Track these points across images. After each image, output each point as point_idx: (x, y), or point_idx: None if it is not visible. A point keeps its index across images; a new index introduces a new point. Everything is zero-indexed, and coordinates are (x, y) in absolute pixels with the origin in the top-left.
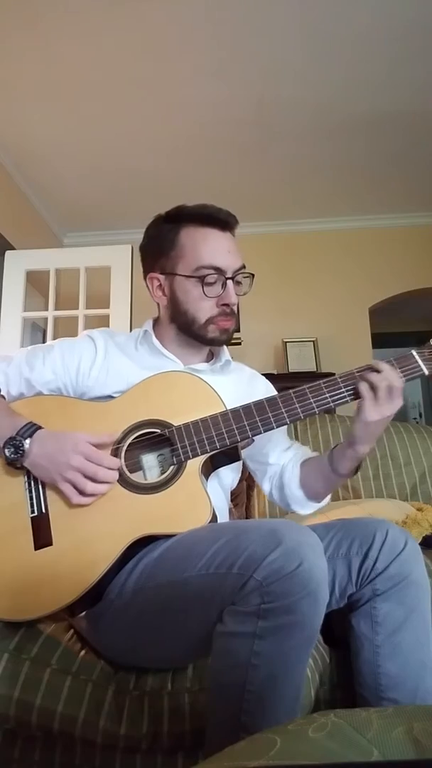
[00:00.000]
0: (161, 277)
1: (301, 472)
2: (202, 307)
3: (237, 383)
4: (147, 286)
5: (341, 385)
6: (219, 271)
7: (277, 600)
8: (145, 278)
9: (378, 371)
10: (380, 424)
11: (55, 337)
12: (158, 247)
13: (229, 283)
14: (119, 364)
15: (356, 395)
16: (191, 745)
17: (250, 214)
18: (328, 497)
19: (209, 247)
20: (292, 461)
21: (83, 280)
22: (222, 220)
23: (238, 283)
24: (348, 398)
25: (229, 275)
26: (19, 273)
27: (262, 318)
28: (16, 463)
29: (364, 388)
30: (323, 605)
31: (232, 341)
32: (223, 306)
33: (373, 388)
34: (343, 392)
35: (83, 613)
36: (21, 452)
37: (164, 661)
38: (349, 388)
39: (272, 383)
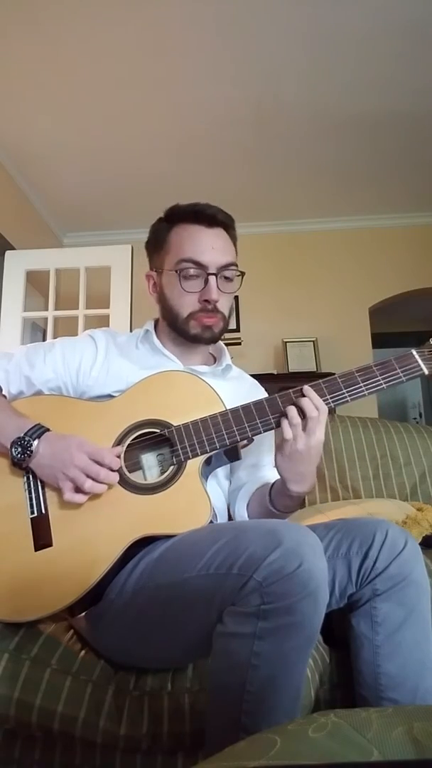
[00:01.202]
0: (154, 274)
1: (251, 498)
2: (184, 302)
3: (236, 390)
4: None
5: (341, 385)
6: (199, 265)
7: (277, 601)
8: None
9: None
10: (302, 461)
11: (55, 337)
12: (153, 246)
13: (211, 278)
14: (119, 364)
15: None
16: (191, 745)
17: (250, 214)
18: None
19: (192, 243)
20: (251, 482)
21: (83, 280)
22: (209, 216)
23: (227, 279)
24: (348, 398)
25: (211, 271)
26: (19, 273)
27: (262, 318)
28: (22, 464)
29: (290, 411)
30: (323, 606)
31: (233, 341)
32: (204, 302)
33: (292, 417)
34: (342, 391)
35: (83, 613)
36: (29, 452)
37: (164, 661)
38: (348, 387)
39: (272, 383)
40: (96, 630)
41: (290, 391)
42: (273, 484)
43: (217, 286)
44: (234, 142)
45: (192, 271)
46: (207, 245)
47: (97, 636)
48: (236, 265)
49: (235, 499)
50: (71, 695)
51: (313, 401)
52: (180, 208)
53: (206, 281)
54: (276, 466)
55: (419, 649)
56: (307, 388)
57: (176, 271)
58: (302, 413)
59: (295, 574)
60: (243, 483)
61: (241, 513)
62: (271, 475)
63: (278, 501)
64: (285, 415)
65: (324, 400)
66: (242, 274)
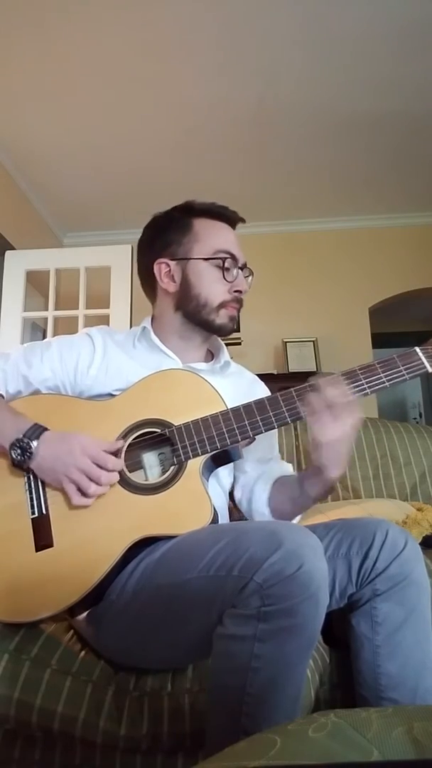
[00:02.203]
0: (172, 263)
1: (272, 490)
2: (217, 290)
3: (236, 386)
4: (154, 273)
5: (343, 384)
6: (234, 258)
7: (277, 603)
8: (151, 266)
9: (316, 390)
10: (338, 446)
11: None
12: (168, 235)
13: (241, 272)
14: (118, 363)
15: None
16: (191, 745)
17: (250, 214)
18: (297, 518)
19: (224, 236)
20: (265, 476)
21: (83, 280)
22: (231, 215)
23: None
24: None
25: (241, 265)
26: (19, 273)
27: (262, 318)
28: (22, 465)
29: (306, 408)
30: (323, 608)
31: (233, 341)
32: (236, 292)
33: (313, 409)
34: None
35: (84, 614)
36: (29, 454)
37: (164, 662)
38: (351, 385)
39: (272, 383)
40: (96, 630)
41: (292, 389)
42: (303, 472)
43: None
44: (234, 142)
45: (229, 263)
46: (234, 241)
47: (98, 636)
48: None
49: (251, 495)
50: (71, 695)
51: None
52: (200, 204)
53: (237, 274)
54: (314, 457)
55: (419, 649)
56: (318, 383)
57: (220, 260)
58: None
59: (295, 575)
60: (254, 477)
61: (260, 508)
62: (281, 468)
63: (312, 490)
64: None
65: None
66: (252, 274)
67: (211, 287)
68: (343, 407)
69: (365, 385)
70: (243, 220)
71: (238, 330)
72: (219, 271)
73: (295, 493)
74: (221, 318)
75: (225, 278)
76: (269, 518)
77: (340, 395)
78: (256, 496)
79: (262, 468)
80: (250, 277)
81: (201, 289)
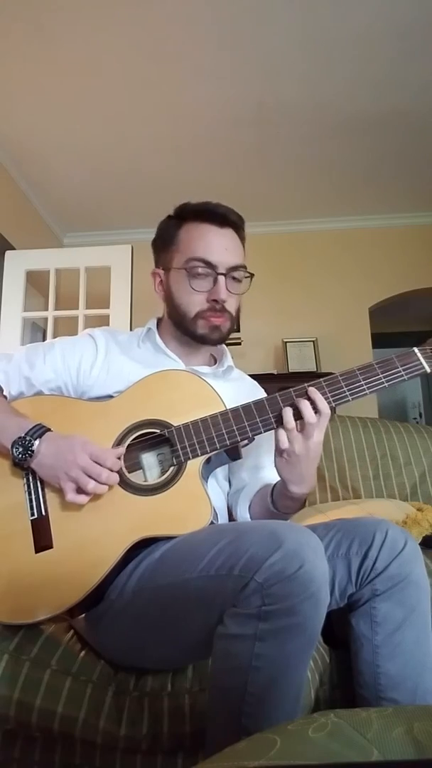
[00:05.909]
0: (161, 272)
1: (254, 499)
2: (192, 300)
3: (238, 391)
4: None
5: (342, 384)
6: (209, 265)
7: (277, 602)
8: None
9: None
10: (299, 463)
11: (55, 338)
12: (161, 243)
13: (221, 278)
14: (120, 364)
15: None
16: (191, 745)
17: (250, 214)
18: None
19: (203, 242)
20: (251, 486)
21: (83, 280)
22: (219, 215)
23: (235, 280)
24: (349, 397)
25: (221, 271)
26: (19, 273)
27: (262, 318)
28: (23, 464)
29: (286, 414)
30: (324, 607)
31: (233, 341)
32: (212, 301)
33: (287, 420)
34: (343, 390)
35: (83, 614)
36: (30, 453)
37: (164, 662)
38: (349, 386)
39: (272, 383)
40: (96, 631)
41: (292, 390)
42: (275, 485)
43: (226, 287)
44: (234, 142)
45: (201, 270)
46: (217, 245)
47: (97, 637)
48: (245, 267)
49: (236, 501)
50: (71, 696)
51: (317, 404)
52: (191, 207)
53: (215, 281)
54: (275, 467)
55: (419, 650)
56: (312, 390)
57: (185, 270)
58: (300, 415)
59: (296, 575)
60: (244, 484)
61: (243, 515)
62: (273, 476)
63: (279, 502)
64: (281, 418)
65: (325, 399)
66: (251, 275)
67: (186, 297)
68: (314, 426)
69: (364, 385)
70: (234, 220)
71: (238, 330)
72: (189, 280)
73: (268, 505)
74: (201, 328)
75: (193, 288)
76: None
77: (311, 416)
78: (240, 504)
79: (253, 475)
80: (247, 281)
81: (180, 299)
